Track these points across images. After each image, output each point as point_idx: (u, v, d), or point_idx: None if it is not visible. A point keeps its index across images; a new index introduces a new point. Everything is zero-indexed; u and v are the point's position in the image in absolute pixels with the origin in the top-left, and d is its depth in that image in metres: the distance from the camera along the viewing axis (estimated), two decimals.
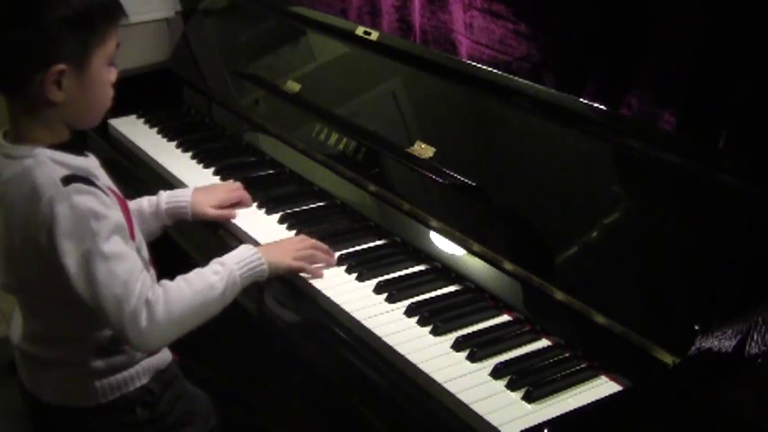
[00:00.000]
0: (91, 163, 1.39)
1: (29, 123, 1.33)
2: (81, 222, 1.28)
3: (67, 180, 1.29)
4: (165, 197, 1.72)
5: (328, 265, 1.61)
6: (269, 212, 1.82)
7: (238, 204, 1.82)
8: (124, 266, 1.31)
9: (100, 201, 1.31)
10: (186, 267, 1.46)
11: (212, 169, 2.03)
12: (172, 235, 1.85)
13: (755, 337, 1.30)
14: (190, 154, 2.13)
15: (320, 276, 1.58)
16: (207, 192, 1.79)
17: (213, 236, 1.78)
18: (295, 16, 2.29)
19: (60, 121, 1.35)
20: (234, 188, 1.84)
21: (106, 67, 1.35)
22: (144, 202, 1.70)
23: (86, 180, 1.31)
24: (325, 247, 1.62)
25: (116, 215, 1.33)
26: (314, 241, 1.62)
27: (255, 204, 1.85)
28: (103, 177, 1.40)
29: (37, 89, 1.29)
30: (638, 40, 1.64)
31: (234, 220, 1.78)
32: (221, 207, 1.78)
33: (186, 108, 2.46)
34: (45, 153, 1.32)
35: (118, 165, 2.17)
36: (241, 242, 1.65)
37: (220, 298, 1.42)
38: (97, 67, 1.33)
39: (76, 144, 1.39)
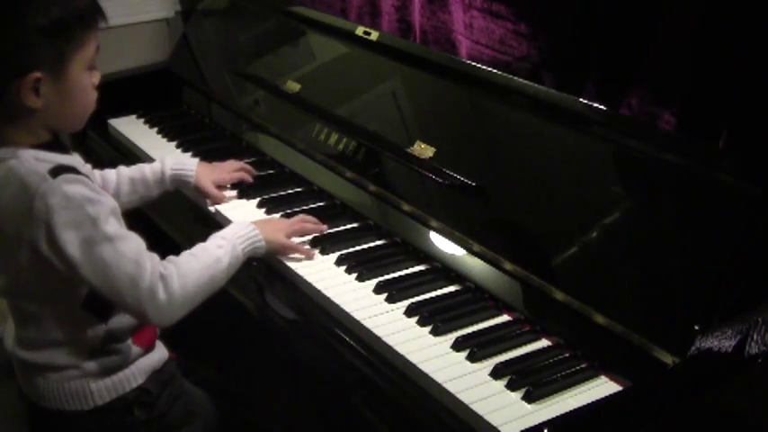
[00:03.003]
0: (75, 160, 1.39)
1: (10, 129, 1.33)
2: (77, 210, 1.28)
3: (55, 172, 1.30)
4: (170, 163, 1.78)
5: (320, 233, 1.69)
6: (269, 212, 1.82)
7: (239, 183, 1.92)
8: (130, 245, 1.33)
9: (90, 188, 1.32)
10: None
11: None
12: (166, 230, 1.86)
13: (755, 337, 1.30)
14: (190, 154, 2.13)
15: (311, 257, 1.63)
16: (211, 167, 1.88)
17: (209, 234, 1.77)
18: (295, 16, 2.29)
19: (42, 126, 1.34)
20: (236, 167, 1.92)
21: (86, 71, 1.35)
22: (146, 169, 1.75)
23: (73, 170, 1.32)
24: (313, 219, 1.70)
25: (109, 200, 1.35)
26: (302, 216, 1.70)
27: (255, 204, 1.85)
28: (89, 173, 1.40)
29: (14, 96, 1.29)
30: (638, 39, 1.64)
31: (233, 220, 1.78)
32: (220, 186, 1.86)
33: (186, 108, 2.46)
34: (28, 153, 1.32)
35: (118, 165, 2.16)
36: None
37: (226, 271, 1.47)
38: (75, 73, 1.33)
39: (59, 143, 1.38)
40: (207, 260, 1.44)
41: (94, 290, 1.34)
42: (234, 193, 1.90)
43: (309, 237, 1.69)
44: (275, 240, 1.60)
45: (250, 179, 1.92)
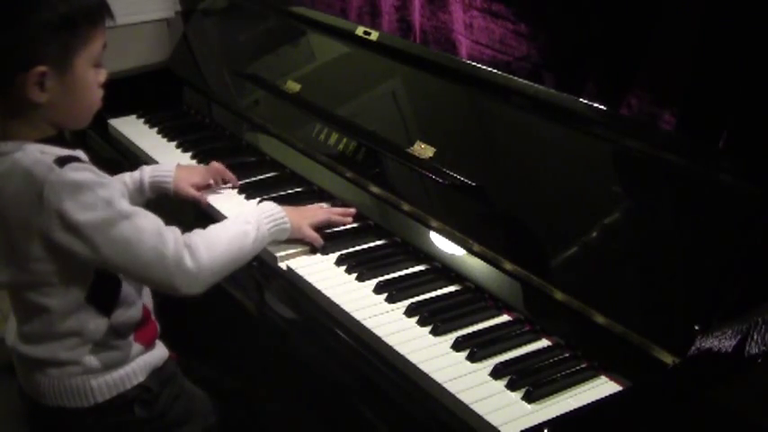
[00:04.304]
0: (79, 155, 1.39)
1: (15, 123, 1.34)
2: (90, 194, 1.30)
3: (61, 161, 1.31)
4: (148, 171, 1.77)
5: (346, 225, 1.74)
6: None
7: (221, 183, 1.91)
8: (148, 220, 1.36)
9: (97, 174, 1.34)
10: None
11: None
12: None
13: (755, 337, 1.30)
14: (190, 154, 2.13)
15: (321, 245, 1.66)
16: (189, 170, 1.86)
17: None
18: (295, 16, 2.29)
19: (46, 122, 1.35)
20: (215, 170, 1.90)
21: (91, 68, 1.36)
22: (126, 178, 1.74)
23: (78, 159, 1.34)
24: (340, 210, 1.74)
25: (117, 183, 1.39)
26: (330, 209, 1.74)
27: (256, 204, 1.85)
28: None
29: (20, 90, 1.30)
30: (638, 40, 1.64)
31: None
32: (201, 187, 1.85)
33: (186, 108, 2.46)
34: (33, 146, 1.33)
35: (118, 165, 2.17)
36: None
37: (251, 246, 1.50)
38: (81, 69, 1.34)
39: (63, 138, 1.39)
40: (234, 231, 1.48)
41: (119, 271, 1.37)
42: (234, 192, 1.90)
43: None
44: (299, 228, 1.64)
45: (231, 181, 1.91)
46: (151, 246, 1.34)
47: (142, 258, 1.34)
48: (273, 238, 1.58)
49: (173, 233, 1.38)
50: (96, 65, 1.37)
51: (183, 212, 1.88)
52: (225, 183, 1.91)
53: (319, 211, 1.73)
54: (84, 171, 1.32)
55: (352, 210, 1.76)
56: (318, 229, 1.68)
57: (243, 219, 1.53)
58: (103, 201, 1.31)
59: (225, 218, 1.78)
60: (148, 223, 1.35)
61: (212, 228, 1.47)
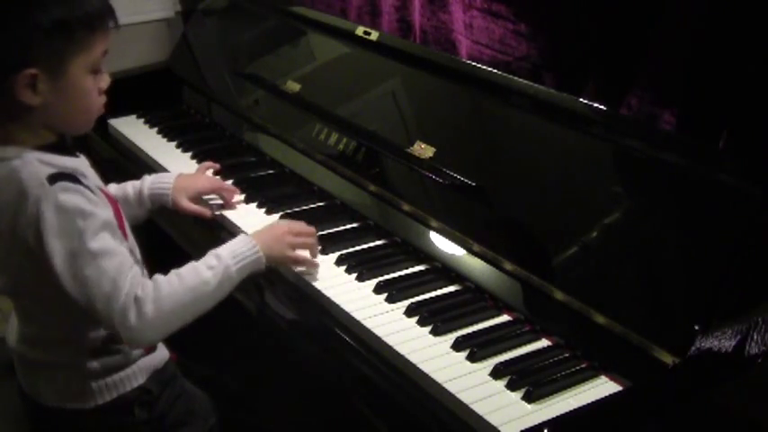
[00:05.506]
0: (80, 163, 1.38)
1: (14, 127, 1.33)
2: (67, 221, 1.28)
3: (53, 179, 1.29)
4: (148, 183, 1.72)
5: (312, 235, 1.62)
6: (269, 212, 1.82)
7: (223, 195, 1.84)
8: (112, 263, 1.31)
9: (86, 198, 1.31)
10: (182, 264, 1.44)
11: (213, 170, 2.03)
12: (170, 233, 1.85)
13: (755, 337, 1.30)
14: (190, 154, 2.13)
15: (315, 266, 1.59)
16: (189, 181, 1.78)
17: (211, 235, 1.77)
18: (295, 16, 2.29)
19: (44, 126, 1.34)
20: (214, 181, 1.84)
21: (89, 74, 1.33)
22: (129, 189, 1.70)
23: (72, 178, 1.31)
24: (303, 228, 1.61)
25: (104, 213, 1.33)
26: (302, 225, 1.61)
27: (255, 204, 1.85)
28: (93, 177, 1.40)
29: (12, 92, 1.29)
30: (638, 40, 1.64)
31: (234, 220, 1.78)
32: (201, 197, 1.78)
33: (186, 108, 2.46)
34: (32, 154, 1.32)
35: (118, 165, 2.17)
36: None
37: (212, 294, 1.41)
38: (76, 74, 1.32)
39: (65, 145, 1.38)
40: (192, 282, 1.38)
41: (70, 297, 1.32)
42: (234, 197, 1.88)
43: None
44: (278, 255, 1.54)
45: (233, 194, 1.86)
46: (104, 292, 1.30)
47: (93, 301, 1.30)
48: (246, 274, 1.48)
49: (130, 281, 1.32)
50: (95, 71, 1.34)
51: (186, 221, 1.87)
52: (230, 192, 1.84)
53: (297, 230, 1.59)
54: (71, 194, 1.29)
55: (312, 229, 1.63)
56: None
57: (208, 262, 1.43)
58: (77, 231, 1.28)
59: (230, 225, 1.78)
60: (110, 266, 1.30)
61: (171, 276, 1.39)
